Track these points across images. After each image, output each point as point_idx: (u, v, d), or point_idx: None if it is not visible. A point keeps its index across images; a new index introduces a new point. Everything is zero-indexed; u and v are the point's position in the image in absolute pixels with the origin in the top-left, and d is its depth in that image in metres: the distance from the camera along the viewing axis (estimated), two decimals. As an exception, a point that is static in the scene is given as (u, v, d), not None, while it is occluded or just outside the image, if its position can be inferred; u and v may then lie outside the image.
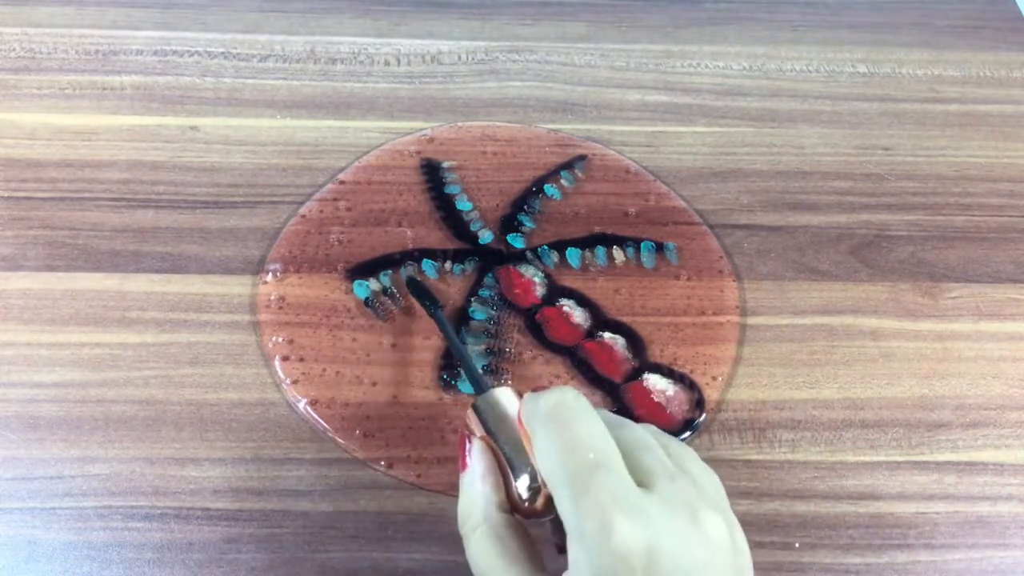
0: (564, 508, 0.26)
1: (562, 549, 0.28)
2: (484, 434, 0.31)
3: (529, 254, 0.47)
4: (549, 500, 0.28)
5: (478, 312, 0.44)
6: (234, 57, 0.56)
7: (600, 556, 0.25)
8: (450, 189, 0.49)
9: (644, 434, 0.29)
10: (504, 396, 0.32)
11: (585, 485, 0.26)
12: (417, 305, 0.44)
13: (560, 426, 0.28)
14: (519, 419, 0.30)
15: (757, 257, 0.48)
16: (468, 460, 0.31)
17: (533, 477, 0.29)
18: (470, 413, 0.32)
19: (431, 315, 0.42)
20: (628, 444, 0.28)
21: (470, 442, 0.31)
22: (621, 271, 0.46)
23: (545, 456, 0.28)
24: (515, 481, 0.29)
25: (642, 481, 0.27)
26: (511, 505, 0.30)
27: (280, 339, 0.43)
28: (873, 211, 0.50)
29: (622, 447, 0.28)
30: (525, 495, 0.29)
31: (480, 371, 0.34)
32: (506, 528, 0.29)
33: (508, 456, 0.30)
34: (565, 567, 0.26)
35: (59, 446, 0.39)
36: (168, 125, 0.52)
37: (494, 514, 0.30)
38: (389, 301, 0.44)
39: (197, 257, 0.46)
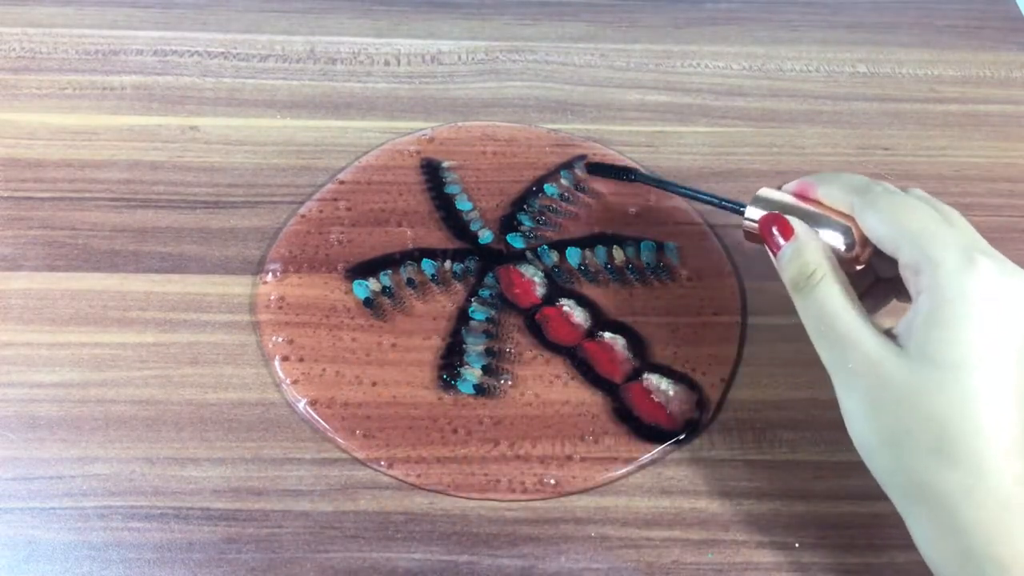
0: (911, 252, 0.32)
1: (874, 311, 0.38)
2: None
3: (529, 254, 0.47)
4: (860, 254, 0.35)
5: (478, 312, 0.44)
6: (234, 57, 0.56)
7: (958, 278, 0.30)
8: (450, 189, 0.49)
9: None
10: (769, 193, 0.38)
11: (934, 235, 0.32)
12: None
13: (895, 196, 0.34)
14: (803, 197, 0.37)
15: (757, 257, 0.47)
16: (781, 236, 0.36)
17: (847, 233, 0.35)
18: (750, 215, 0.38)
19: (635, 180, 0.48)
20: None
21: (779, 219, 0.36)
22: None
23: (892, 212, 0.33)
24: (831, 239, 0.35)
25: None
26: None
27: (280, 339, 0.43)
28: (873, 211, 0.50)
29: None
30: (843, 247, 0.35)
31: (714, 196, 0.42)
32: (842, 275, 0.34)
33: (818, 223, 0.36)
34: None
35: (59, 446, 0.39)
36: (168, 125, 0.52)
37: (835, 261, 0.34)
38: (389, 301, 0.44)
39: (197, 257, 0.46)
